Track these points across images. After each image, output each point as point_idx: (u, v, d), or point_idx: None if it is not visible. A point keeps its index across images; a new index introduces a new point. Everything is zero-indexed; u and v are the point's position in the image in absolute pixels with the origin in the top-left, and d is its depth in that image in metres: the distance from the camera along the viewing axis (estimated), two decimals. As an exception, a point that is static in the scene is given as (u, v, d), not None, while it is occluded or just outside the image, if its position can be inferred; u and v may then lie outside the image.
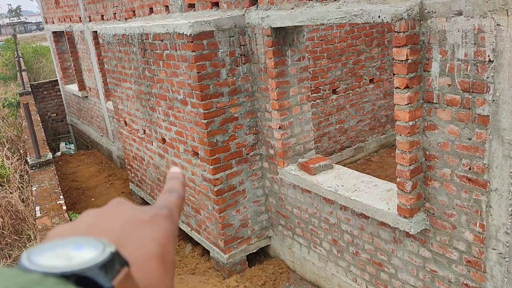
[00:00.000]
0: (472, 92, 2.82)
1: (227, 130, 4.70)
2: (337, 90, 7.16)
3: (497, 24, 2.57)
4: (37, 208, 4.71)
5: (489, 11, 2.58)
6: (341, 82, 7.17)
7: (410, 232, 3.33)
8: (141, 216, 0.46)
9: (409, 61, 2.98)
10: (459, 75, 2.87)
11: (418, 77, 3.07)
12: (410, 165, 3.19)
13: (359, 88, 7.44)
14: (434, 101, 3.06)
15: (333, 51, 6.95)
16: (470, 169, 2.96)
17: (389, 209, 3.50)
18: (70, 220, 4.17)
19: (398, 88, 3.07)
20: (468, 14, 2.69)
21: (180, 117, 5.03)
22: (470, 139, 2.91)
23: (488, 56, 2.66)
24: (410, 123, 3.10)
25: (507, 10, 2.50)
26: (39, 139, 6.92)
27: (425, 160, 3.24)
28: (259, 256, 5.38)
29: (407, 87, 3.03)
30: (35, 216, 4.58)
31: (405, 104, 3.07)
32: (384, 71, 7.69)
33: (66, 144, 12.98)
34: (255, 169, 4.99)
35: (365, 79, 7.48)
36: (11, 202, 6.92)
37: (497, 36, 2.59)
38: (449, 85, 2.94)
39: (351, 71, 7.26)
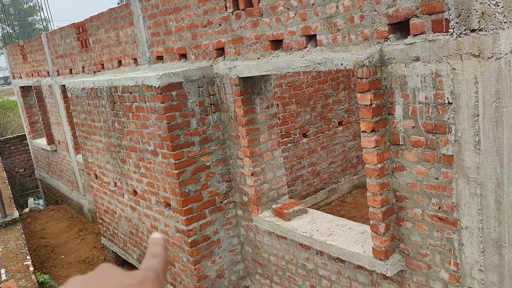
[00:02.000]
0: (436, 133, 2.91)
1: (199, 179, 4.66)
2: (307, 133, 7.28)
3: (453, 68, 2.69)
4: (3, 270, 4.49)
5: (444, 56, 2.71)
6: (311, 125, 7.30)
7: (387, 275, 3.31)
8: (130, 281, 0.47)
9: (373, 105, 3.07)
10: (421, 117, 2.96)
11: (383, 121, 3.15)
12: (382, 207, 3.21)
13: (329, 130, 7.58)
14: (400, 143, 3.13)
15: (302, 96, 7.11)
16: (440, 208, 3.01)
17: (364, 252, 3.49)
18: (38, 282, 3.98)
19: (365, 131, 3.14)
20: (425, 60, 2.82)
21: (151, 168, 4.98)
22: (437, 178, 2.98)
23: (447, 98, 2.77)
24: (379, 165, 3.16)
25: (460, 55, 2.63)
26: (5, 197, 6.70)
27: (396, 201, 3.27)
28: (238, 307, 5.23)
29: (373, 130, 3.10)
30: (0, 280, 4.36)
31: (373, 147, 3.13)
32: (352, 113, 7.88)
33: (34, 199, 12.60)
34: (230, 217, 4.93)
35: (334, 122, 7.64)
36: (-25, 264, 6.59)
37: (453, 80, 2.71)
38: (413, 127, 3.02)
39: (320, 115, 7.41)
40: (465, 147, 2.76)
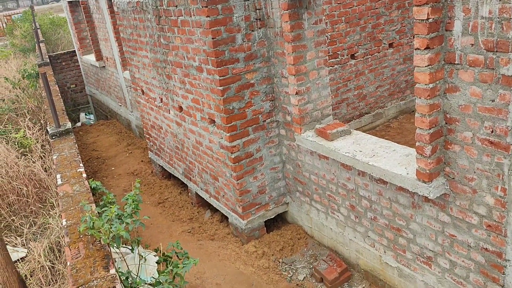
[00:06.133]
0: (496, 51, 2.71)
1: (243, 97, 4.65)
2: (355, 55, 7.01)
3: (525, -22, 2.43)
4: (58, 176, 4.80)
5: (516, -36, 2.45)
6: (359, 46, 7.01)
7: (429, 197, 3.28)
8: None
9: (430, 20, 2.86)
10: (482, 33, 2.75)
11: (439, 37, 2.95)
12: (429, 129, 3.11)
13: (378, 52, 7.27)
14: (456, 62, 2.95)
15: (352, 15, 6.77)
16: (492, 131, 2.88)
17: (407, 174, 3.45)
18: (91, 188, 4.24)
19: (418, 49, 2.97)
20: (493, -32, 2.56)
21: (196, 84, 5.00)
22: (493, 100, 2.82)
23: (514, 12, 2.54)
24: (430, 85, 3.01)
25: (535, -38, 2.36)
26: (58, 109, 7.00)
27: (446, 123, 3.16)
28: (277, 222, 5.43)
29: (427, 47, 2.92)
30: (57, 184, 4.67)
31: (426, 66, 2.97)
32: (404, 34, 7.48)
33: (86, 114, 13.13)
34: (272, 136, 4.96)
35: (385, 43, 7.29)
36: (34, 171, 7.08)
37: (524, -9, 2.46)
38: (472, 44, 2.82)
39: (370, 35, 7.08)
40: (528, 67, 2.57)
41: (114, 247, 3.34)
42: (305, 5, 4.14)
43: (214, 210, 5.91)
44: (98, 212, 3.53)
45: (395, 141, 6.78)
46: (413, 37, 7.57)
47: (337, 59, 6.81)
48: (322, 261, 4.58)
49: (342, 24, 6.72)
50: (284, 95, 4.67)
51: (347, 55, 6.91)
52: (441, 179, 3.29)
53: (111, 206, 3.50)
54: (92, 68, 11.39)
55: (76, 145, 5.89)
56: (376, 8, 7.00)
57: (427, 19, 2.86)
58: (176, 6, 4.80)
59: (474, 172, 3.08)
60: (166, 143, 6.56)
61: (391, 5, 7.14)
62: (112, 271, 3.02)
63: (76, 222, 3.73)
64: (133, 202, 3.58)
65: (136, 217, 3.55)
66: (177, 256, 3.88)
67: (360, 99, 7.28)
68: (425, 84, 3.02)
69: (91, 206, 3.52)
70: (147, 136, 7.34)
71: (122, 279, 3.31)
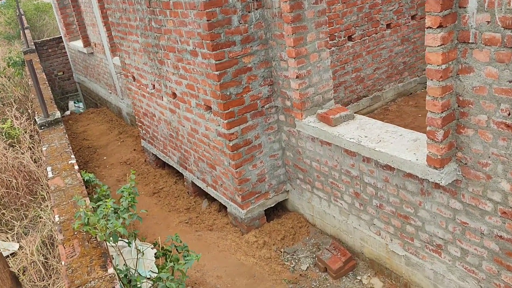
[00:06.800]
0: (515, 28, 2.54)
1: (240, 82, 4.46)
2: (352, 36, 6.81)
3: None
4: (49, 168, 4.59)
5: None
6: (356, 28, 6.81)
7: (441, 184, 3.14)
8: None
9: (443, -4, 2.68)
10: (500, 10, 2.57)
11: (452, 15, 2.77)
12: (442, 112, 2.95)
13: (376, 34, 7.07)
14: (470, 41, 2.78)
15: (349, -6, 6.55)
16: (509, 114, 2.73)
17: (417, 159, 3.30)
18: (83, 180, 4.04)
19: (430, 27, 2.79)
20: None
21: (190, 69, 4.78)
22: (510, 81, 2.66)
23: (537, -14, 2.36)
24: (443, 66, 2.84)
25: None
26: (46, 97, 6.74)
27: (458, 106, 3.00)
28: (277, 211, 5.28)
29: (440, 26, 2.74)
30: (47, 177, 4.46)
31: (438, 46, 2.79)
32: (402, 14, 7.28)
33: (74, 102, 12.82)
34: (271, 122, 4.78)
35: (382, 24, 7.09)
36: (23, 162, 6.85)
37: (548, -38, 2.28)
38: (488, 22, 2.65)
39: (367, 16, 6.87)
40: (551, 45, 2.40)
41: (111, 243, 3.16)
42: (305, -16, 3.93)
43: (212, 200, 5.74)
44: (92, 207, 3.35)
45: (395, 124, 6.63)
46: (411, 18, 7.40)
47: (334, 41, 6.61)
48: (325, 250, 4.44)
49: (339, 4, 6.50)
50: (283, 79, 4.48)
51: (344, 37, 6.71)
52: (453, 164, 3.14)
53: (106, 200, 3.32)
54: (80, 55, 11.06)
55: (67, 135, 5.66)
56: (374, -13, 6.78)
57: (441, -5, 2.67)
58: (168, -13, 4.56)
59: (489, 157, 2.94)
60: (160, 131, 6.35)
61: (388, -16, 6.93)
62: (110, 270, 2.85)
63: (70, 217, 3.54)
64: (129, 195, 3.40)
65: (132, 210, 3.37)
66: (177, 249, 3.72)
67: (358, 82, 7.10)
68: (438, 65, 2.85)
69: (85, 201, 3.33)
70: (139, 124, 7.12)
71: (120, 276, 3.14)
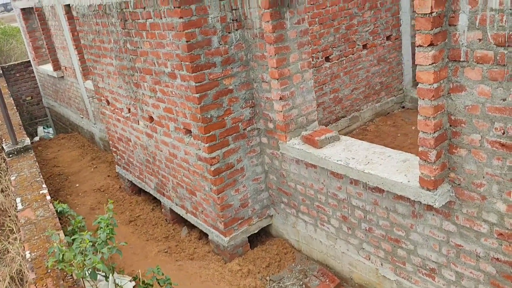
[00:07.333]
0: (508, 46, 2.49)
1: (221, 104, 4.31)
2: (330, 57, 6.80)
3: (542, -35, 2.22)
4: (18, 199, 4.28)
5: (532, -51, 2.23)
6: (334, 48, 6.81)
7: (434, 206, 3.04)
8: None
9: (433, 14, 2.62)
10: (492, 27, 2.53)
11: (443, 33, 2.72)
12: (434, 132, 2.87)
13: (353, 54, 7.09)
14: (462, 59, 2.72)
15: (325, 16, 6.56)
16: (504, 133, 2.66)
17: (409, 181, 3.20)
18: (56, 211, 3.77)
19: (421, 46, 2.73)
20: (505, -45, 2.34)
21: (168, 92, 4.61)
22: (504, 99, 2.60)
23: (529, 3, 2.33)
24: (435, 85, 2.77)
25: None
26: (14, 123, 6.43)
27: (450, 126, 2.92)
28: (261, 237, 5.10)
29: (431, 44, 2.68)
30: (17, 208, 4.16)
31: (429, 64, 2.72)
32: (377, 35, 7.34)
33: (44, 128, 12.39)
34: (253, 145, 4.63)
35: (359, 45, 7.12)
36: (-11, 192, 6.46)
37: (541, -21, 2.25)
38: (480, 39, 2.60)
39: (344, 37, 6.89)
40: (547, 62, 2.36)
41: (88, 281, 2.92)
42: (287, 3, 3.85)
43: (191, 227, 5.51)
44: (67, 241, 3.10)
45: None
46: (386, 38, 7.46)
47: (312, 62, 6.57)
48: (313, 277, 4.28)
49: (316, 25, 6.49)
50: (265, 101, 4.36)
51: (321, 58, 6.69)
52: (446, 185, 3.05)
53: (82, 232, 3.08)
54: (50, 79, 10.73)
55: (37, 164, 5.36)
56: (349, 9, 6.82)
57: (431, 13, 2.62)
58: (144, 8, 4.41)
59: (483, 177, 2.86)
60: (136, 156, 6.11)
61: (363, 6, 6.98)
62: (88, 311, 2.60)
63: (42, 253, 3.26)
64: (107, 226, 3.17)
65: (111, 243, 3.14)
66: (158, 283, 3.49)
67: (336, 103, 7.06)
68: (429, 84, 2.77)
69: (59, 235, 3.08)
70: (114, 149, 6.85)
71: (98, 316, 2.89)
